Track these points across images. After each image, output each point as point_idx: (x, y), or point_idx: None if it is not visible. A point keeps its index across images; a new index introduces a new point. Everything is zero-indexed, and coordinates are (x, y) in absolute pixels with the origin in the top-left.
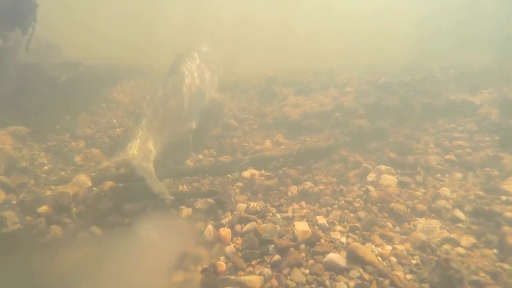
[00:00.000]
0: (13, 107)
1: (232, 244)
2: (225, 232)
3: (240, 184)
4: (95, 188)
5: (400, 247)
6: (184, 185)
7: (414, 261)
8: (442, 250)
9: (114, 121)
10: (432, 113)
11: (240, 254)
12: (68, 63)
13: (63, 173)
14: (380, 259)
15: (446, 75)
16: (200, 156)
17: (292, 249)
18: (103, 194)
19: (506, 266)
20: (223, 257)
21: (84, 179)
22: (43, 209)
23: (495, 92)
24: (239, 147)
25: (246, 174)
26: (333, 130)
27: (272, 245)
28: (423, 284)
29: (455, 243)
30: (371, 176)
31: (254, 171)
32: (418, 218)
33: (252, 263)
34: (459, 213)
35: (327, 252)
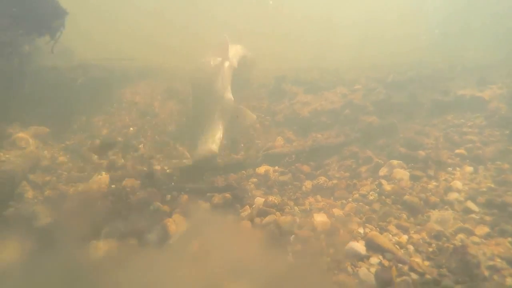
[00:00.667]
0: (33, 108)
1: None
2: (246, 224)
3: (255, 180)
4: (113, 186)
5: (416, 236)
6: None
7: (431, 249)
8: (457, 239)
9: (127, 120)
10: (441, 108)
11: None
12: (83, 65)
13: (83, 171)
14: (398, 247)
15: (454, 71)
16: None
17: (313, 239)
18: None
19: None
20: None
21: (104, 177)
22: None
23: (504, 87)
24: (252, 144)
25: (260, 170)
26: (343, 127)
27: (293, 235)
28: (441, 269)
29: (470, 233)
30: (383, 171)
31: (268, 167)
32: (431, 210)
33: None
34: (471, 205)
35: (347, 241)
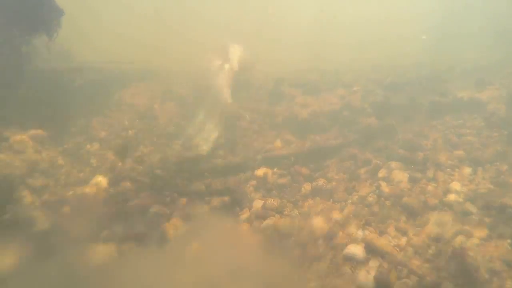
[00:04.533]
0: (31, 110)
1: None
2: (245, 227)
3: (254, 182)
4: (111, 189)
5: (415, 238)
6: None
7: (430, 251)
8: (456, 241)
9: (126, 123)
10: (440, 110)
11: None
12: (82, 68)
13: (81, 174)
14: (397, 249)
15: (452, 72)
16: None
17: (312, 243)
18: None
19: None
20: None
21: (101, 180)
22: None
23: (502, 88)
24: (250, 146)
25: (259, 172)
26: (342, 129)
27: (292, 238)
28: (440, 272)
29: (469, 235)
30: (382, 172)
31: (266, 169)
32: (430, 212)
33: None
34: (470, 207)
35: (346, 244)
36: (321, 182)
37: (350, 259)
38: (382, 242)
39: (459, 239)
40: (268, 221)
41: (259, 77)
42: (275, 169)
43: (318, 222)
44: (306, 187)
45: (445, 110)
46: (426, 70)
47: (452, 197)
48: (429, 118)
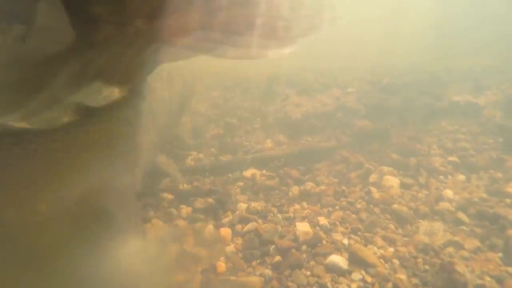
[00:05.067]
0: None
1: (233, 245)
2: (226, 232)
3: (241, 183)
4: None
5: (402, 249)
6: (185, 184)
7: (417, 264)
8: (445, 253)
9: None
10: (436, 114)
11: (240, 254)
12: None
13: None
14: (383, 261)
15: (449, 76)
16: (201, 155)
17: (293, 250)
18: None
19: (511, 270)
20: (223, 257)
21: None
22: None
23: (499, 93)
24: (240, 146)
25: (247, 173)
26: (335, 131)
27: (273, 246)
28: None
29: (459, 246)
30: (373, 177)
31: (255, 170)
32: (420, 220)
33: (253, 264)
34: (462, 216)
35: (329, 254)
36: (309, 186)
37: (332, 270)
38: (367, 253)
39: (448, 251)
40: (250, 226)
41: (253, 75)
42: (264, 171)
43: (302, 228)
44: (294, 190)
45: (441, 114)
46: (423, 72)
47: (444, 205)
48: (424, 122)
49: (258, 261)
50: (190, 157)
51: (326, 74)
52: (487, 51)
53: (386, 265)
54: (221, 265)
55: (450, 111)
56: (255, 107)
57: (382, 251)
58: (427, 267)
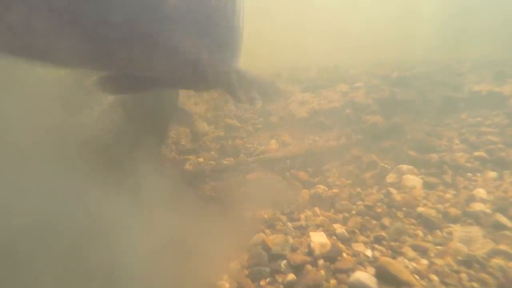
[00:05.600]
0: None
1: (237, 260)
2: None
3: (245, 188)
4: None
5: (439, 261)
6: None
7: (461, 281)
8: (493, 266)
9: None
10: (454, 106)
11: (246, 272)
12: None
13: None
14: (418, 277)
15: (463, 66)
16: (201, 159)
17: (309, 266)
18: None
19: None
20: (226, 275)
21: None
22: None
23: None
24: (242, 148)
25: (251, 177)
26: (344, 128)
27: (284, 261)
28: None
29: (508, 256)
30: (390, 177)
31: (259, 174)
32: (452, 225)
33: (261, 283)
34: (502, 218)
35: (352, 270)
36: (320, 189)
37: None
38: (398, 267)
39: (496, 262)
40: (257, 238)
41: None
42: (269, 174)
43: (318, 239)
44: (304, 194)
45: (460, 106)
46: (435, 64)
47: (477, 206)
48: (441, 115)
49: (268, 280)
50: (188, 162)
51: (330, 69)
52: (501, 45)
53: (423, 282)
54: (224, 286)
55: (470, 102)
56: (257, 106)
57: (414, 264)
58: (475, 284)
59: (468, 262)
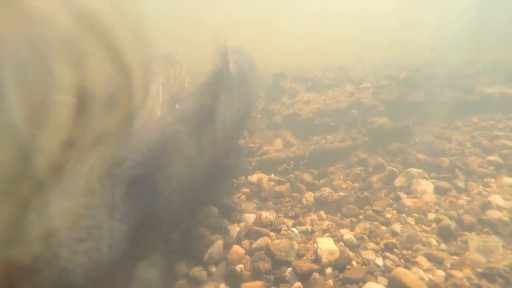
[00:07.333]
0: None
1: (240, 265)
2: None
3: (247, 190)
4: None
5: (457, 273)
6: None
7: None
8: None
9: None
10: (464, 109)
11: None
12: None
13: None
14: None
15: (473, 68)
16: None
17: (317, 275)
18: None
19: None
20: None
21: None
22: None
23: None
24: (244, 148)
25: (253, 178)
26: (350, 129)
27: (289, 269)
28: None
29: None
30: (399, 181)
31: (262, 175)
32: (467, 233)
33: None
34: None
35: (363, 280)
36: (326, 192)
37: None
38: (412, 279)
39: None
40: (260, 242)
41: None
42: (272, 175)
43: (325, 245)
44: (308, 197)
45: (470, 109)
46: (443, 66)
47: (493, 214)
48: (451, 117)
49: None
50: None
51: (336, 69)
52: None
53: None
54: None
55: (482, 105)
56: (260, 106)
57: (430, 276)
58: None
59: (490, 275)
